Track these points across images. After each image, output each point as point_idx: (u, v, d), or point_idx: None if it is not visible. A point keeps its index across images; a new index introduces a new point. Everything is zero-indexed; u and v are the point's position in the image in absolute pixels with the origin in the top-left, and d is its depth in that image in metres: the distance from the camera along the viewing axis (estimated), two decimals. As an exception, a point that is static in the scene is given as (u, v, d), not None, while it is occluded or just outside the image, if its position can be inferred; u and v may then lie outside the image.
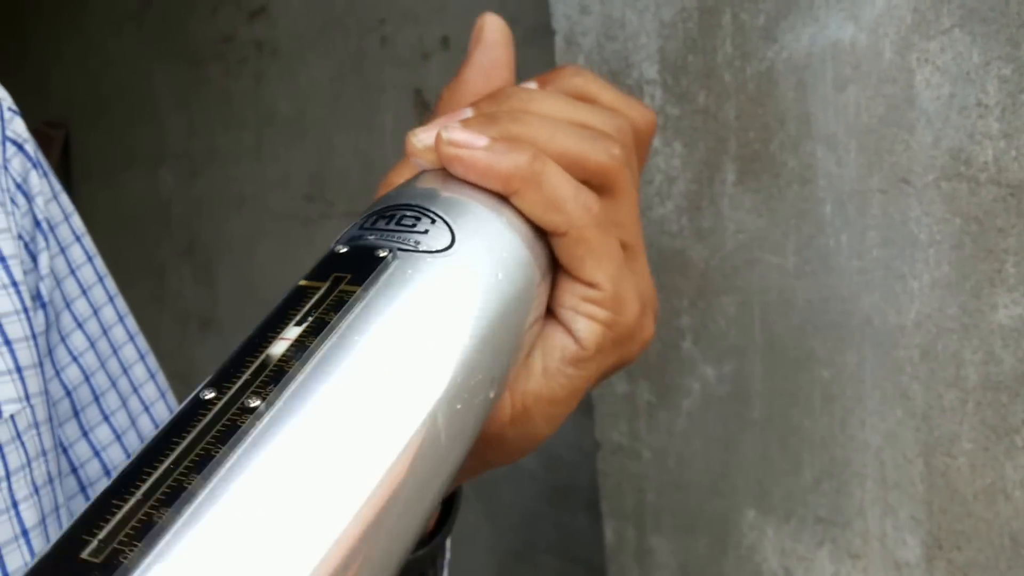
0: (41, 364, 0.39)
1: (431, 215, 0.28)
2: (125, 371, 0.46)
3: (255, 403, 0.22)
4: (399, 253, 0.27)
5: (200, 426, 0.22)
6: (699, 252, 0.55)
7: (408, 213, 0.28)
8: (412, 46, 1.00)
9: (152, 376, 0.47)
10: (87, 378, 0.43)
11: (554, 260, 0.31)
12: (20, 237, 0.40)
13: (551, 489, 0.94)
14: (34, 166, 0.41)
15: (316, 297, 0.25)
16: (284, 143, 1.28)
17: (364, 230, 0.28)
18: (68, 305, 0.42)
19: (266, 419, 0.22)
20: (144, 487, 0.21)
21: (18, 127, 0.41)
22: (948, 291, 0.44)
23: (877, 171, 0.46)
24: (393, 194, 0.30)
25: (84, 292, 0.43)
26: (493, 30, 0.35)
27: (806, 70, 0.48)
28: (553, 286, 0.31)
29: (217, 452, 0.21)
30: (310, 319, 0.25)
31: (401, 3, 1.02)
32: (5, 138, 0.40)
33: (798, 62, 0.49)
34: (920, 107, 0.44)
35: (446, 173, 0.30)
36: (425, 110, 1.01)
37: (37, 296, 0.40)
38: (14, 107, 0.41)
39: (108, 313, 0.45)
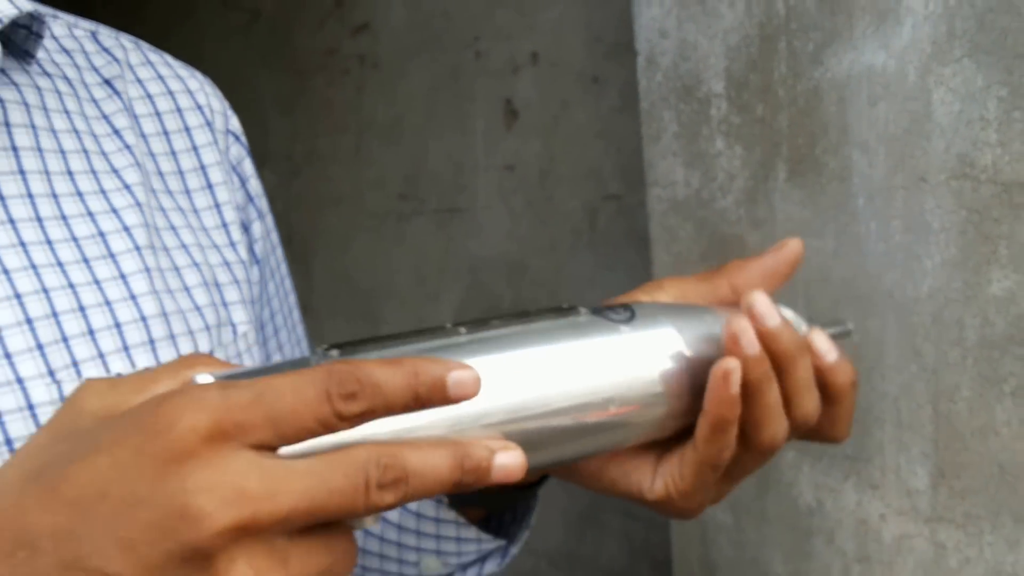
0: (253, 303, 0.53)
1: (633, 316, 0.41)
2: (291, 312, 0.59)
3: (463, 331, 0.37)
4: (592, 316, 0.40)
5: (428, 330, 0.36)
6: (754, 237, 0.67)
7: (624, 308, 0.42)
8: (504, 60, 1.13)
9: (300, 319, 0.60)
10: (272, 316, 0.57)
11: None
12: (236, 208, 0.53)
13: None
14: (247, 154, 0.55)
15: (531, 315, 0.39)
16: (381, 147, 1.42)
17: (597, 306, 0.42)
18: (267, 260, 0.55)
19: (460, 339, 0.37)
20: (372, 340, 0.35)
21: (235, 123, 0.54)
22: (954, 268, 0.55)
23: (900, 172, 0.57)
24: (640, 302, 0.44)
25: (273, 250, 0.56)
26: (791, 250, 0.46)
27: (846, 88, 0.60)
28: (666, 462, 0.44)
29: (419, 341, 0.35)
30: (517, 320, 0.39)
31: (495, 22, 1.15)
32: (228, 131, 0.53)
33: (839, 82, 0.60)
34: (935, 120, 0.55)
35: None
36: (514, 118, 1.13)
37: (252, 253, 0.53)
38: (230, 107, 0.55)
39: (283, 268, 0.58)
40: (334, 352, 0.33)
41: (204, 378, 0.31)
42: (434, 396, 0.30)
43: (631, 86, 0.95)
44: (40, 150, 0.45)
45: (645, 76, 0.74)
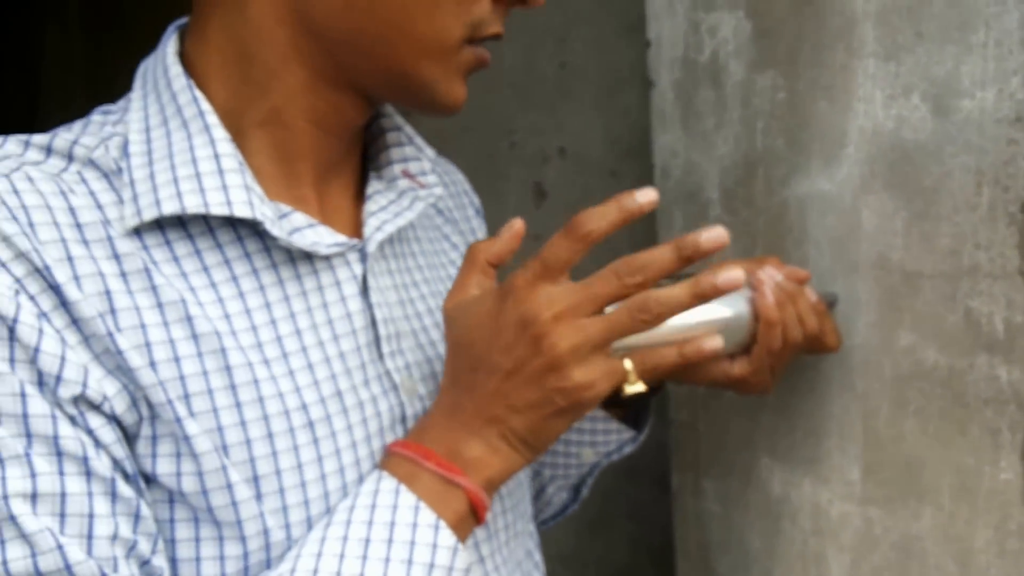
0: None
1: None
2: None
3: (666, 282, 0.63)
4: None
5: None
6: (740, 303, 0.93)
7: None
8: (535, 151, 1.39)
9: None
10: None
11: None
12: None
13: (624, 469, 1.31)
14: (483, 220, 0.86)
15: (684, 278, 0.68)
16: (418, 212, 1.67)
17: None
18: None
19: (667, 285, 0.63)
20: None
21: (477, 200, 0.87)
22: (875, 328, 0.81)
23: (840, 262, 0.84)
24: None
25: None
26: (803, 272, 0.79)
27: (804, 203, 0.86)
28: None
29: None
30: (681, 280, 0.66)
31: (528, 119, 1.41)
32: (475, 206, 0.84)
33: (800, 198, 0.87)
34: (863, 229, 0.82)
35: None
36: (542, 198, 1.40)
37: None
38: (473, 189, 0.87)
39: None
40: None
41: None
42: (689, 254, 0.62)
43: (644, 181, 1.22)
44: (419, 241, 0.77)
45: (660, 182, 1.01)
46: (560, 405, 0.60)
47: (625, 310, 0.60)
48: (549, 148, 1.37)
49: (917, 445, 0.79)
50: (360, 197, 0.71)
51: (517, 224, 0.65)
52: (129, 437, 0.58)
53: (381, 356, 0.67)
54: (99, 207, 0.60)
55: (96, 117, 0.65)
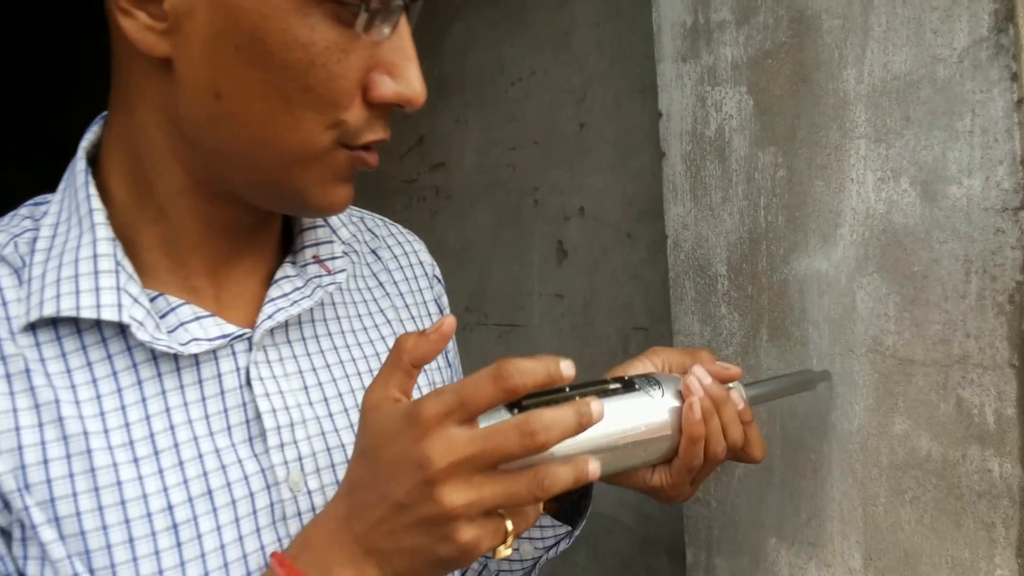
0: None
1: (661, 388, 0.70)
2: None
3: (576, 394, 0.62)
4: (640, 389, 0.69)
5: (556, 390, 0.61)
6: (746, 378, 0.92)
7: (655, 383, 0.70)
8: (557, 209, 1.40)
9: None
10: None
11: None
12: None
13: (641, 540, 1.30)
14: (444, 289, 0.84)
15: (612, 384, 0.67)
16: (450, 265, 1.69)
17: (638, 377, 0.70)
18: (455, 359, 0.84)
19: (573, 395, 0.62)
20: (533, 395, 0.60)
21: (437, 271, 0.84)
22: (872, 412, 0.80)
23: (838, 344, 0.83)
24: (656, 374, 0.72)
25: (451, 364, 0.84)
26: (734, 370, 0.76)
27: (804, 282, 0.86)
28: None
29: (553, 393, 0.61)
30: (602, 390, 0.65)
31: (551, 178, 1.42)
32: (434, 276, 0.83)
33: (800, 277, 0.86)
34: (858, 312, 0.81)
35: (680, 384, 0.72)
36: (564, 256, 1.40)
37: (446, 357, 0.82)
38: (433, 259, 0.85)
39: (457, 361, 0.87)
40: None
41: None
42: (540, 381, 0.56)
43: (656, 244, 1.22)
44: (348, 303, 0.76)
45: (672, 254, 1.01)
46: (441, 556, 0.57)
47: (523, 478, 0.56)
48: (570, 207, 1.38)
49: (914, 535, 0.78)
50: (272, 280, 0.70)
51: (447, 324, 0.59)
52: (10, 538, 0.59)
53: (267, 450, 0.64)
54: (4, 304, 0.61)
55: (23, 210, 0.67)
